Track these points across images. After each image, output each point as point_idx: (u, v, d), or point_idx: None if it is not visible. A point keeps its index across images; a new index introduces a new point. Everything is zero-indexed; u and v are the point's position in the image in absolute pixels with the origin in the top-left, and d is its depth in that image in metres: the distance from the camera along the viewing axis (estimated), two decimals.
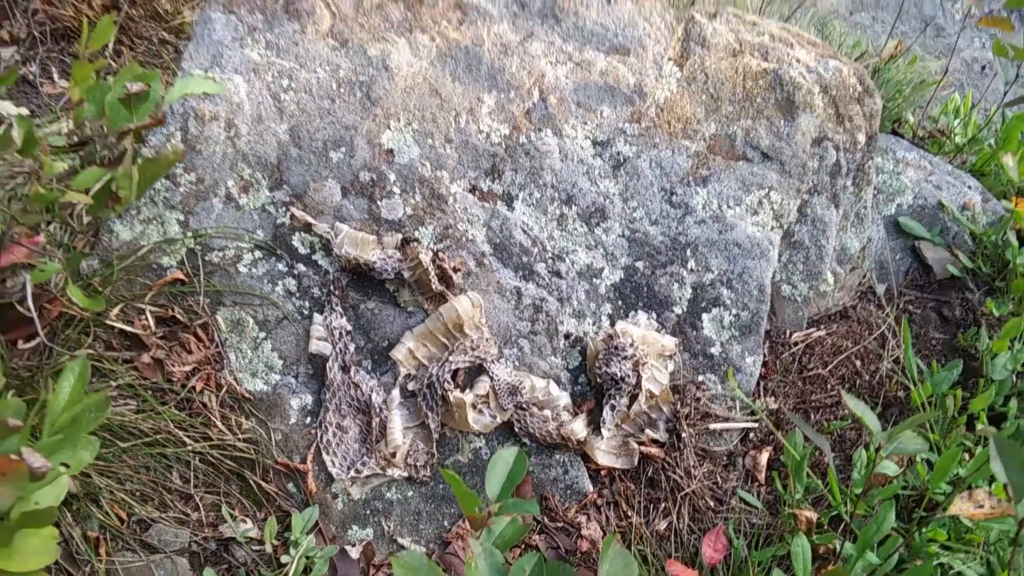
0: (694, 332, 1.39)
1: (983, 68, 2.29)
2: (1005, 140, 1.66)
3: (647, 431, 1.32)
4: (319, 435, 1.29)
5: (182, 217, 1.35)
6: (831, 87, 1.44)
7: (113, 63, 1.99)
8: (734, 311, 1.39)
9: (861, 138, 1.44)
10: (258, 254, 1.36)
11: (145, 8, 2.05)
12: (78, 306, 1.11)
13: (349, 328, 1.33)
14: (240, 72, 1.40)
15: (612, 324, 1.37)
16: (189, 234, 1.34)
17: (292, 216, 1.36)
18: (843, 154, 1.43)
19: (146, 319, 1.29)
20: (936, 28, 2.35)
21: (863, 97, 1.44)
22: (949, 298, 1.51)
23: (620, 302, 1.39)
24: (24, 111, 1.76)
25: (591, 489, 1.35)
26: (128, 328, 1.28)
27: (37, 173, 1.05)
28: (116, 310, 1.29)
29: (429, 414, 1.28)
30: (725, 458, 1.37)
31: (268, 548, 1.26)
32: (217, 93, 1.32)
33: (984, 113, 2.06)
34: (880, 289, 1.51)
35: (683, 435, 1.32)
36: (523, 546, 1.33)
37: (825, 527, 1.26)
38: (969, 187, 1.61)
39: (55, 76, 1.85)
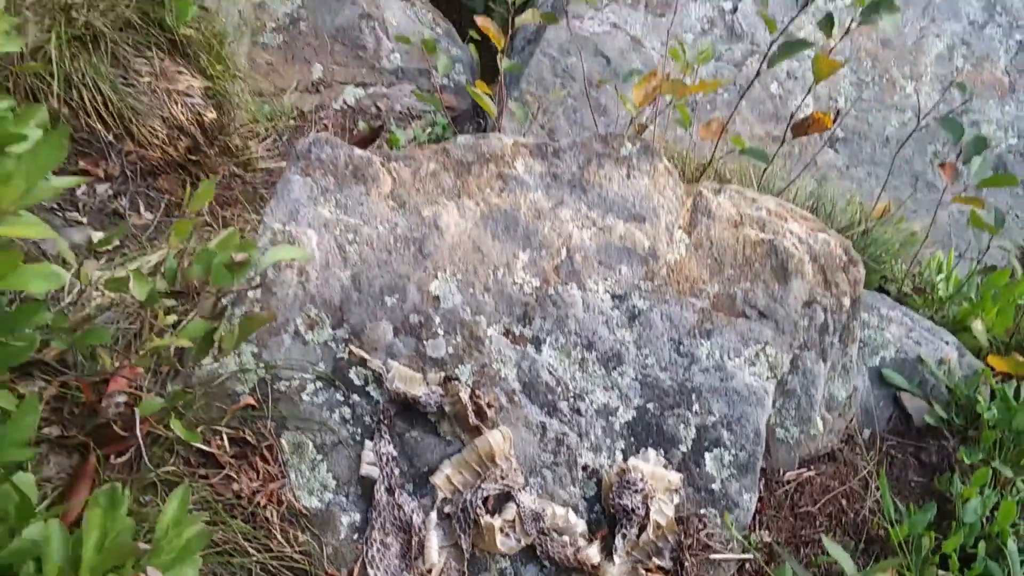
0: (697, 469, 1.57)
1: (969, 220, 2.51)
2: (978, 303, 1.86)
3: (654, 559, 1.49)
4: (365, 550, 1.46)
5: (256, 350, 1.56)
6: (820, 257, 1.65)
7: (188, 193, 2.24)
8: (733, 451, 1.57)
9: (846, 301, 1.65)
10: (319, 384, 1.56)
11: (219, 146, 2.32)
12: (178, 436, 1.30)
13: (395, 454, 1.52)
14: (312, 226, 1.63)
15: (625, 459, 1.55)
16: (261, 365, 1.55)
17: (350, 352, 1.57)
18: (830, 315, 1.64)
19: (221, 440, 1.49)
20: (926, 184, 2.58)
21: (848, 266, 1.65)
22: (927, 445, 1.68)
23: (632, 439, 1.58)
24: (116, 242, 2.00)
25: None
26: (205, 448, 1.48)
27: (151, 323, 1.27)
28: (179, 425, 1.48)
29: (462, 536, 1.45)
30: None
31: None
32: (301, 258, 1.54)
33: (969, 264, 2.26)
34: (865, 434, 1.69)
35: (686, 564, 1.48)
36: None
37: None
38: (946, 343, 1.80)
39: (141, 208, 2.10)
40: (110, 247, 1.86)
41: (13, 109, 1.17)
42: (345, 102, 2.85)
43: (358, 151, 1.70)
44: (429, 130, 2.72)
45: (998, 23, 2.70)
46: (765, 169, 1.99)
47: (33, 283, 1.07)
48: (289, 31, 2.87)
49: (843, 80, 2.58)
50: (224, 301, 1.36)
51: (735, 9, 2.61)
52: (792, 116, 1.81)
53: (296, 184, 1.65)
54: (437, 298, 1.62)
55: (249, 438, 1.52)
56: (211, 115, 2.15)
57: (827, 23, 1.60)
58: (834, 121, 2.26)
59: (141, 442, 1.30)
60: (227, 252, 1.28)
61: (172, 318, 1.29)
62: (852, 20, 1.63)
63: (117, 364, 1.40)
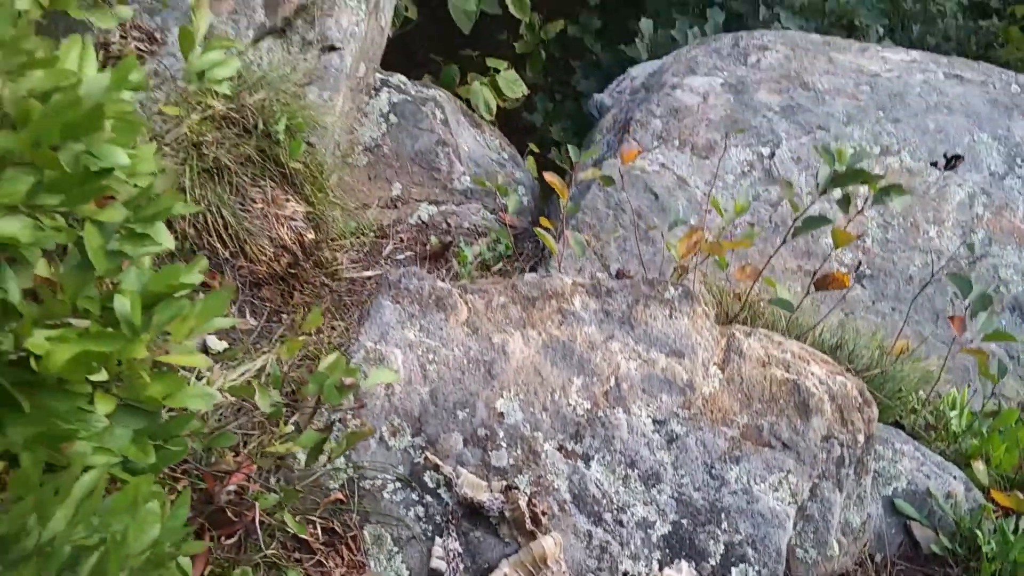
0: None
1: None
2: (987, 439, 2.05)
3: None
4: None
5: (347, 451, 1.82)
6: (837, 397, 1.88)
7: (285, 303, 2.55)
8: (757, 567, 1.77)
9: (860, 438, 1.86)
10: (398, 485, 1.81)
11: (313, 260, 2.63)
12: (289, 528, 1.56)
13: (460, 551, 1.75)
14: (399, 346, 1.91)
15: (660, 568, 1.75)
16: (351, 465, 1.80)
17: (425, 458, 1.82)
18: (846, 449, 1.85)
19: (315, 529, 1.74)
20: (947, 321, 2.78)
21: (863, 407, 1.87)
22: (933, 571, 1.86)
23: (667, 550, 1.79)
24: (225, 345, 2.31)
25: None
26: (300, 535, 1.72)
27: (272, 431, 1.54)
28: (290, 518, 1.74)
29: None
30: None
31: None
32: (394, 381, 1.81)
33: (984, 401, 2.45)
34: (877, 558, 1.88)
35: None
36: None
37: None
38: (954, 477, 1.99)
39: (247, 315, 2.41)
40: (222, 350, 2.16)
41: (174, 254, 1.48)
42: (420, 218, 3.17)
43: (440, 283, 1.99)
44: (494, 248, 3.01)
45: (1018, 175, 2.94)
46: (800, 302, 2.23)
47: (192, 402, 1.35)
48: (374, 153, 3.22)
49: (871, 222, 2.82)
50: (332, 416, 1.63)
51: (772, 155, 2.89)
52: (815, 273, 2.06)
53: (387, 309, 1.94)
54: (502, 415, 1.86)
55: (337, 528, 1.76)
56: (310, 235, 2.47)
57: (844, 202, 1.86)
58: (857, 270, 2.50)
59: (258, 529, 1.55)
60: (336, 375, 1.55)
61: (288, 428, 1.56)
62: (867, 200, 1.89)
63: (237, 460, 1.66)
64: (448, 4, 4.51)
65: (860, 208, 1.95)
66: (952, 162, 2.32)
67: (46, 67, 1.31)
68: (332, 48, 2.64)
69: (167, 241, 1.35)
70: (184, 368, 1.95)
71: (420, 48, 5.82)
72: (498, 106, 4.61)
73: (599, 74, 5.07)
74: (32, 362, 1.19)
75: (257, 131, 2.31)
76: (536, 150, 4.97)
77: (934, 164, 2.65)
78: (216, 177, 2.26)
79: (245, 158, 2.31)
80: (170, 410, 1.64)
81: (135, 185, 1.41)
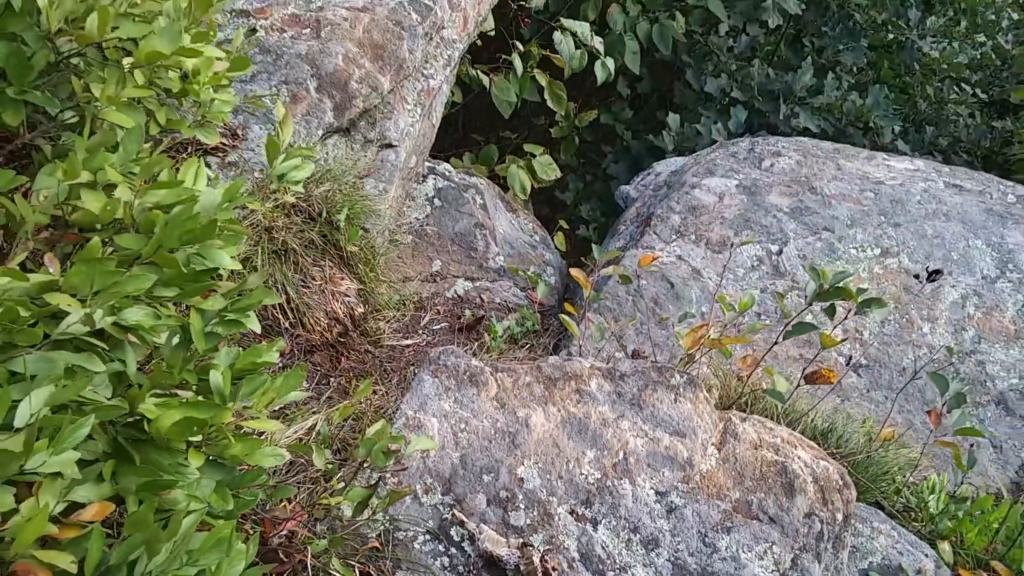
0: None
1: (972, 445, 2.89)
2: (960, 522, 2.24)
3: None
4: None
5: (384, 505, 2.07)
6: (820, 479, 2.10)
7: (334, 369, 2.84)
8: None
9: (839, 516, 2.07)
10: (428, 537, 2.05)
11: (360, 329, 2.92)
12: (334, 571, 1.81)
13: None
14: (436, 415, 2.17)
15: None
16: (387, 518, 2.05)
17: (453, 514, 2.06)
18: (826, 526, 2.06)
19: (353, 572, 1.98)
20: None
21: (842, 488, 2.09)
22: None
23: None
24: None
25: None
26: None
27: (326, 487, 1.80)
28: (337, 563, 1.99)
29: None
30: None
31: None
32: (431, 448, 2.08)
33: (961, 487, 2.64)
34: None
35: None
36: None
37: None
38: (926, 555, 2.18)
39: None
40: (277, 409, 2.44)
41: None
42: (456, 292, 3.46)
43: (474, 361, 2.26)
44: (522, 324, 3.28)
45: (1009, 279, 3.16)
46: (792, 392, 2.46)
47: (266, 461, 1.62)
48: (419, 232, 3.54)
49: (869, 318, 3.05)
50: (376, 475, 1.89)
51: (780, 252, 3.15)
52: (804, 370, 2.30)
53: (427, 382, 2.21)
54: (522, 480, 2.11)
55: (372, 573, 2.00)
56: (360, 309, 2.76)
57: (830, 311, 2.11)
58: (849, 363, 2.72)
59: (309, 570, 1.81)
60: (383, 442, 1.82)
61: (341, 484, 1.82)
62: (851, 310, 2.14)
63: (291, 509, 1.93)
64: (491, 91, 4.86)
65: (845, 316, 2.20)
66: (933, 276, 2.55)
67: (170, 186, 1.63)
68: (389, 145, 2.97)
69: (256, 327, 1.64)
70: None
71: (464, 127, 6.21)
72: (532, 186, 4.94)
73: (628, 159, 5.39)
74: (144, 424, 1.47)
75: (321, 219, 2.63)
76: (566, 226, 5.28)
77: (916, 276, 2.89)
78: (283, 258, 2.57)
79: (309, 242, 2.62)
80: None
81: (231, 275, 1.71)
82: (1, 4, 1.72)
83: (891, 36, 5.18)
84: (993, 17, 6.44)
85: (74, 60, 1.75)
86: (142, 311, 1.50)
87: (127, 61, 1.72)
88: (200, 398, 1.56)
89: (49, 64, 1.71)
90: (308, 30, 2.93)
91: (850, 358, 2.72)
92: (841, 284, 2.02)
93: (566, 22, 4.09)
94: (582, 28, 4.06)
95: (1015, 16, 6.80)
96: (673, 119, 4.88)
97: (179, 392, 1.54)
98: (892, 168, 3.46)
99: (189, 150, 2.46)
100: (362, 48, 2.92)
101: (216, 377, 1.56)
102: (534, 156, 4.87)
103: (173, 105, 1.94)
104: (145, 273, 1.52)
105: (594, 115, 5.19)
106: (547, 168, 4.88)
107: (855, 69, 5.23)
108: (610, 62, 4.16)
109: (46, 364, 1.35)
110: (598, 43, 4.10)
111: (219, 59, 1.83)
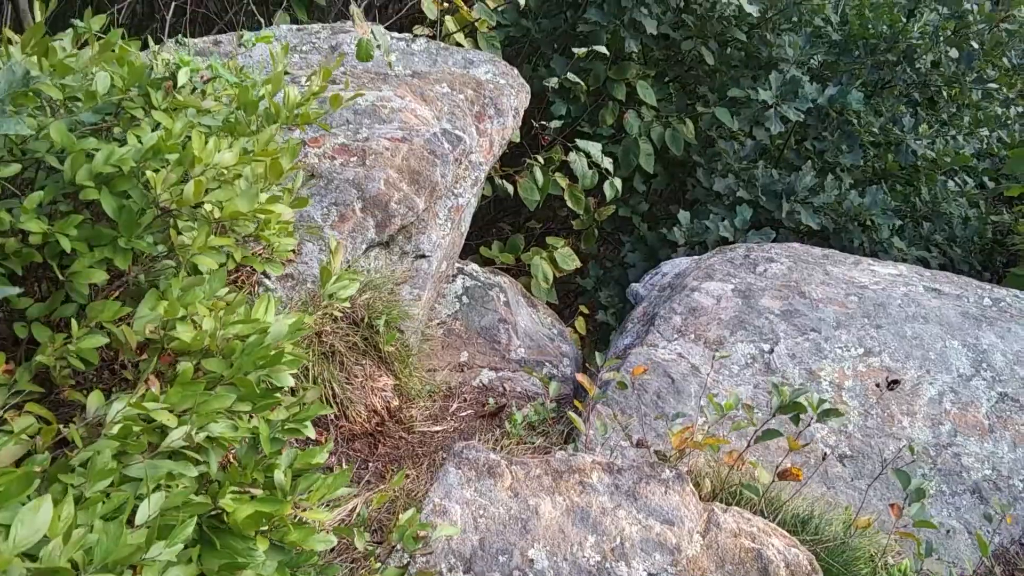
0: None
1: (948, 532, 3.13)
2: None
3: None
4: None
5: None
6: (791, 564, 2.37)
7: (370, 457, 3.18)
8: None
9: None
10: None
11: (394, 418, 3.27)
12: None
13: None
14: (458, 503, 2.49)
15: None
16: None
17: None
18: None
19: None
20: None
21: (811, 573, 2.36)
22: None
23: None
24: None
25: None
26: None
27: (366, 566, 2.12)
28: None
29: None
30: None
31: None
32: (455, 534, 2.40)
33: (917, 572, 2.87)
34: None
35: None
36: None
37: None
38: None
39: (343, 464, 3.04)
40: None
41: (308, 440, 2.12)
42: (481, 382, 3.80)
43: (492, 455, 2.58)
44: (539, 412, 3.60)
45: (983, 377, 3.43)
46: (768, 486, 2.74)
47: (318, 545, 1.95)
48: (448, 327, 3.90)
49: (853, 411, 3.33)
50: (407, 557, 2.22)
51: (771, 351, 3.46)
52: (777, 467, 2.59)
53: (452, 473, 2.54)
54: (532, 561, 2.41)
55: None
56: (395, 402, 3.11)
57: (795, 419, 2.41)
58: (824, 459, 3.00)
59: None
60: (414, 528, 2.14)
61: (378, 564, 2.14)
62: (814, 417, 2.44)
63: None
64: (518, 187, 5.28)
65: (807, 423, 2.50)
66: (891, 385, 2.84)
67: (246, 320, 2.01)
68: (423, 256, 3.36)
69: (312, 434, 2.00)
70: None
71: (492, 216, 6.64)
72: (554, 274, 5.32)
73: (644, 249, 5.75)
74: (224, 515, 1.82)
75: (363, 324, 3.00)
76: (586, 311, 5.63)
77: (877, 385, 3.18)
78: (330, 358, 2.94)
79: (352, 344, 3.00)
80: None
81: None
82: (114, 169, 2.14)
83: (887, 139, 5.53)
84: (999, 111, 6.74)
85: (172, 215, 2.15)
86: (224, 424, 1.86)
87: (213, 213, 2.13)
88: (267, 493, 1.90)
89: (153, 218, 2.12)
90: (355, 158, 3.36)
91: (824, 455, 3.00)
92: (799, 399, 2.33)
93: (580, 143, 4.51)
94: (595, 149, 4.48)
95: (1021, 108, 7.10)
96: (684, 215, 5.24)
97: (250, 489, 1.89)
98: (876, 273, 3.77)
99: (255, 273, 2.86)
100: (401, 173, 3.34)
101: (279, 476, 1.91)
102: (555, 248, 5.25)
103: (248, 243, 2.35)
104: (227, 393, 1.89)
105: (612, 210, 5.58)
106: (567, 259, 5.25)
107: (854, 169, 5.57)
108: (618, 181, 4.56)
109: (153, 469, 1.71)
110: (608, 163, 4.51)
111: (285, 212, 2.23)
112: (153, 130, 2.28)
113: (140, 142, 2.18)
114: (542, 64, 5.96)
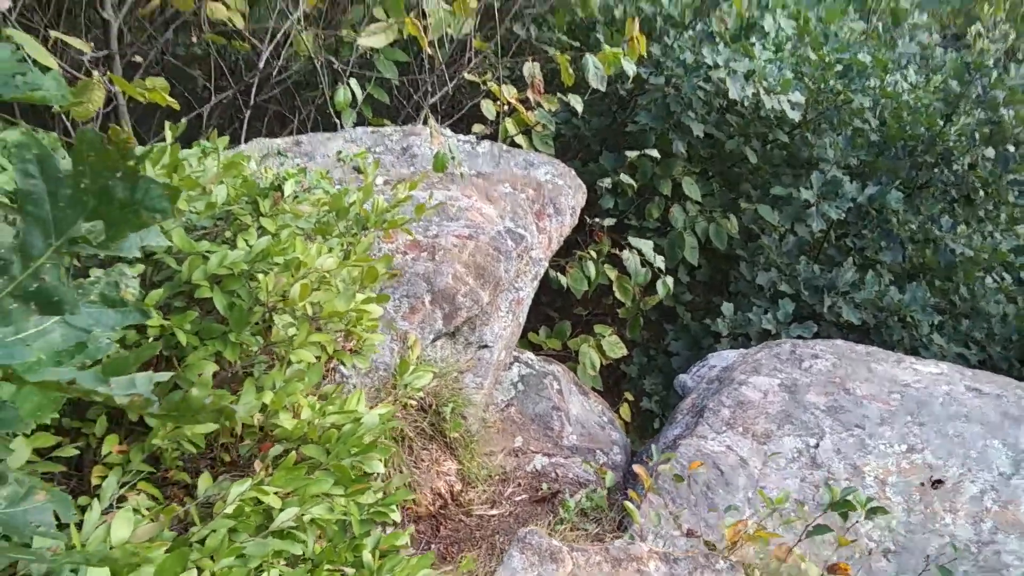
0: None
1: None
2: None
3: None
4: None
5: None
6: None
7: None
8: None
9: None
10: None
11: (456, 501, 3.41)
12: None
13: None
14: None
15: None
16: None
17: None
18: None
19: None
20: None
21: None
22: None
23: None
24: None
25: None
26: None
27: None
28: None
29: None
30: None
31: None
32: None
33: None
34: None
35: None
36: None
37: None
38: None
39: (409, 546, 3.18)
40: None
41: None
42: (535, 467, 3.93)
43: (554, 542, 2.72)
44: (591, 499, 3.72)
45: (1022, 476, 3.49)
46: None
47: None
48: (503, 412, 4.07)
49: (897, 507, 3.40)
50: None
51: (817, 445, 3.56)
52: (825, 562, 2.69)
53: (516, 558, 2.68)
54: None
55: None
56: (458, 486, 3.27)
57: (843, 516, 2.53)
58: (870, 554, 3.07)
59: None
60: None
61: None
62: (861, 515, 2.55)
63: None
64: (568, 276, 5.49)
65: (855, 520, 2.60)
66: (936, 485, 2.93)
67: (342, 411, 2.21)
68: (486, 346, 3.56)
69: (397, 518, 2.17)
70: None
71: (542, 304, 6.85)
72: (601, 362, 5.48)
73: (688, 338, 5.90)
74: None
75: (431, 410, 3.19)
76: (631, 398, 5.75)
77: (922, 484, 3.26)
78: (401, 443, 3.13)
79: (420, 430, 3.18)
80: None
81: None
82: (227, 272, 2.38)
83: (926, 237, 5.68)
84: None
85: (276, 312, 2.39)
86: (322, 506, 2.05)
87: (313, 311, 2.35)
88: (356, 572, 2.07)
89: (261, 317, 2.35)
90: (425, 253, 3.61)
91: (870, 550, 3.07)
92: (848, 497, 2.45)
93: (634, 241, 4.74)
94: (647, 247, 4.70)
95: None
96: (727, 307, 5.40)
97: (343, 568, 2.06)
98: (918, 371, 3.87)
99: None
100: (468, 268, 3.57)
101: (367, 556, 2.08)
102: (603, 336, 5.42)
103: (339, 337, 2.57)
104: (325, 478, 2.08)
105: (657, 300, 5.77)
106: (614, 347, 5.42)
107: (894, 266, 5.71)
108: (670, 280, 4.77)
109: (262, 547, 1.89)
110: (660, 262, 4.72)
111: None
112: (259, 235, 2.54)
113: (249, 246, 2.43)
114: (591, 160, 6.25)
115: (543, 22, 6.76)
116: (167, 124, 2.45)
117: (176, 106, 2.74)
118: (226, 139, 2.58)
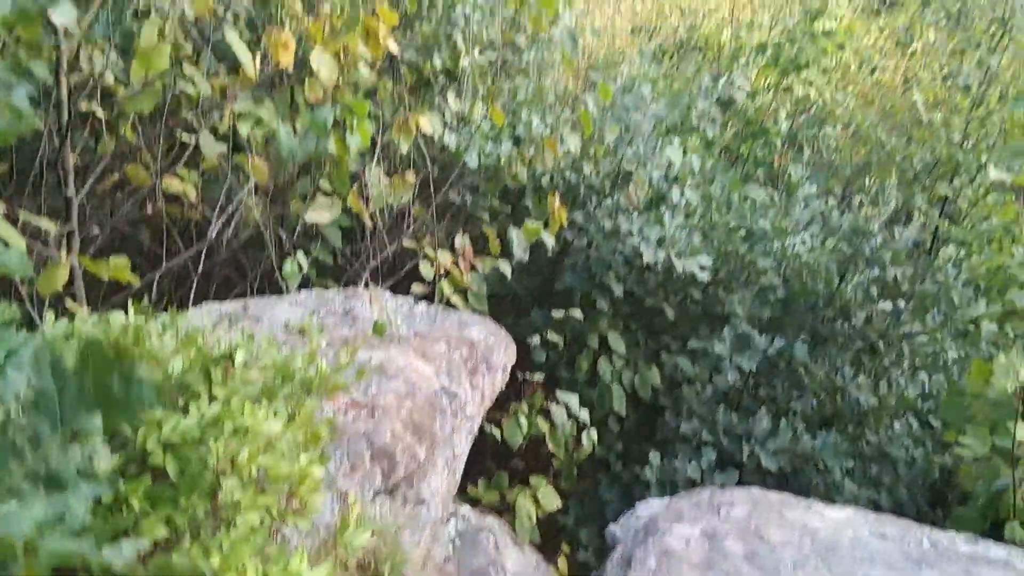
0: None
1: None
2: None
3: None
4: None
5: None
6: None
7: None
8: None
9: None
10: None
11: None
12: None
13: None
14: None
15: None
16: None
17: None
18: None
19: None
20: None
21: None
22: None
23: None
24: None
25: None
26: None
27: None
28: None
29: None
30: None
31: None
32: None
33: None
34: None
35: None
36: None
37: None
38: None
39: None
40: None
41: None
42: None
43: None
44: None
45: None
46: None
47: None
48: (441, 569, 4.13)
49: None
50: None
51: None
52: None
53: None
54: None
55: None
56: None
57: None
58: None
59: None
60: None
61: None
62: None
63: None
64: (503, 429, 5.68)
65: None
66: None
67: (285, 572, 2.33)
68: (423, 502, 3.69)
69: None
70: None
71: (481, 457, 6.97)
72: (537, 514, 5.59)
73: (620, 487, 6.07)
74: None
75: (370, 569, 3.28)
76: (567, 551, 5.83)
77: None
78: None
79: None
80: None
81: None
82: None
83: (833, 387, 6.10)
84: (932, 351, 7.35)
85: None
86: None
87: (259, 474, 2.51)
88: None
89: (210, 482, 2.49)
90: (365, 411, 3.79)
91: None
92: None
93: (560, 395, 5.01)
94: (573, 401, 4.97)
95: (955, 354, 7.74)
96: (654, 456, 5.64)
97: None
98: (826, 517, 4.12)
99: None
100: (406, 426, 3.76)
101: None
102: (539, 488, 5.57)
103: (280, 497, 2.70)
104: None
105: (590, 451, 5.98)
106: (550, 498, 5.56)
107: (807, 414, 6.08)
108: (595, 432, 5.02)
109: None
110: (585, 415, 4.99)
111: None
112: (211, 402, 2.71)
113: (201, 413, 2.60)
114: (525, 314, 6.60)
115: (477, 189, 7.28)
116: (131, 302, 2.66)
117: (136, 282, 2.96)
118: (186, 315, 2.80)
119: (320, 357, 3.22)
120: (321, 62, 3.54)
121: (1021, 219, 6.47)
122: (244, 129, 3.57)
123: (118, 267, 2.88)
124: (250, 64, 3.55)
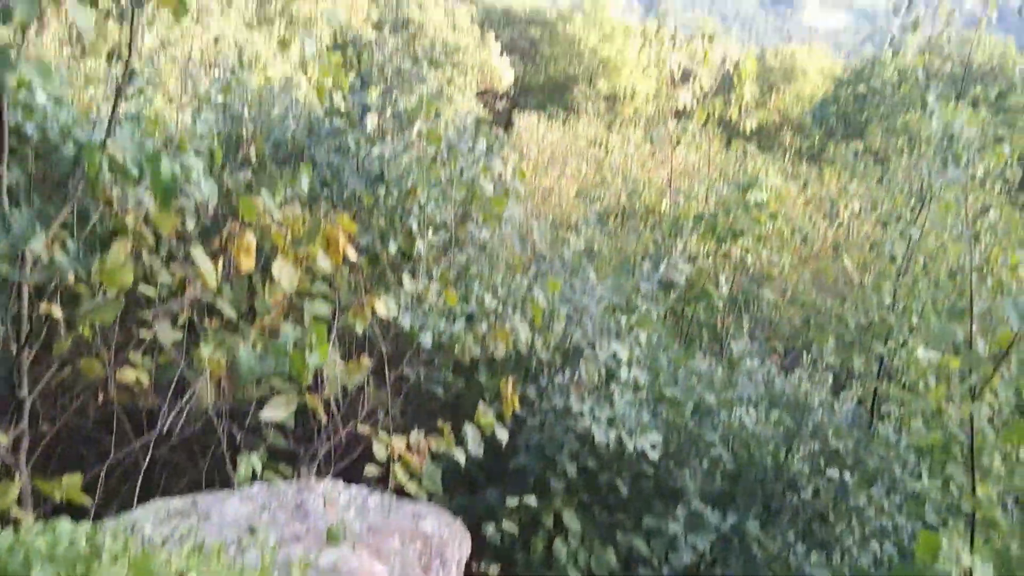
0: None
1: None
2: None
3: None
4: None
5: None
6: None
7: None
8: None
9: None
10: None
11: None
12: None
13: None
14: None
15: None
16: None
17: None
18: None
19: None
20: None
21: None
22: None
23: None
24: None
25: None
26: None
27: None
28: None
29: None
30: None
31: None
32: None
33: None
34: None
35: None
36: None
37: None
38: None
39: None
40: None
41: None
42: None
43: None
44: None
45: None
46: None
47: None
48: None
49: None
50: None
51: None
52: None
53: None
54: None
55: None
56: None
57: None
58: None
59: None
60: None
61: None
62: None
63: None
64: None
65: None
66: None
67: None
68: None
69: None
70: None
71: None
72: None
73: None
74: None
75: None
76: None
77: None
78: None
79: None
80: None
81: None
82: None
83: (787, 564, 6.11)
84: (879, 525, 7.44)
85: None
86: None
87: None
88: None
89: None
90: None
91: None
92: None
93: None
94: None
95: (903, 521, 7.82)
96: None
97: None
98: None
99: None
100: None
101: None
102: None
103: None
104: None
105: None
106: None
107: None
108: None
109: None
110: None
111: None
112: None
113: None
114: (480, 490, 6.55)
115: (432, 362, 7.39)
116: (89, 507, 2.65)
117: (88, 503, 2.94)
118: (134, 520, 2.78)
119: (273, 571, 3.18)
120: (282, 272, 3.71)
121: (953, 396, 6.76)
122: (206, 352, 3.66)
123: (71, 487, 2.87)
124: (212, 275, 3.69)
